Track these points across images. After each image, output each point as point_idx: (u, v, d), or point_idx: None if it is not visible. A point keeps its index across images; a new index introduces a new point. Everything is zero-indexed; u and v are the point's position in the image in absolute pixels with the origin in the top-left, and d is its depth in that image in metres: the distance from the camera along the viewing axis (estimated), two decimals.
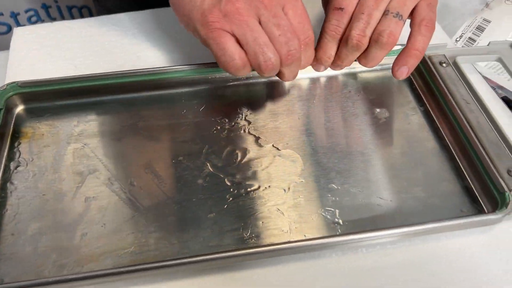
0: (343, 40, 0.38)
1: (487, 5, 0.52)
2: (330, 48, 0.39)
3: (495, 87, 0.49)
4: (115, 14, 0.50)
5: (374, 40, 0.37)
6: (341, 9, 0.36)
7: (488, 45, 0.45)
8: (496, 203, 0.34)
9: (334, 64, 0.40)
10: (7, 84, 0.40)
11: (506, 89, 0.47)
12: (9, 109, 0.40)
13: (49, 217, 0.34)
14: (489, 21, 0.50)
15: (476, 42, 0.51)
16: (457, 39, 0.50)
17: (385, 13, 0.36)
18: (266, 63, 0.34)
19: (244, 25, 0.34)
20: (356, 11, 0.36)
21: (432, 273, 0.32)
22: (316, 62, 0.40)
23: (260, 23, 0.34)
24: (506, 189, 0.34)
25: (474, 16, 0.51)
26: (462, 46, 0.50)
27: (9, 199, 0.35)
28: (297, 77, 0.41)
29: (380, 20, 0.36)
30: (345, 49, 0.38)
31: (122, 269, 0.30)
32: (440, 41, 0.45)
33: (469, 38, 0.50)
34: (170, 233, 0.33)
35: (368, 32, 0.36)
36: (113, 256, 0.32)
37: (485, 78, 0.49)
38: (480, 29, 0.50)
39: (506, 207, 0.33)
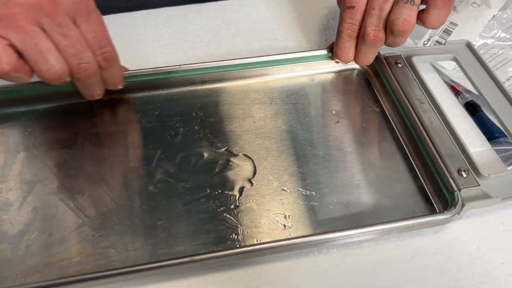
0: (360, 38, 0.39)
1: (454, 8, 0.52)
2: (349, 47, 0.40)
3: (462, 91, 0.49)
4: None
5: (389, 30, 0.38)
6: (353, 7, 0.37)
7: (444, 44, 0.46)
8: (446, 202, 0.34)
9: (358, 62, 0.41)
10: None
11: (472, 93, 0.48)
12: None
13: None
14: (456, 24, 0.50)
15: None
16: (425, 43, 0.50)
17: (396, 1, 0.37)
18: (49, 71, 0.32)
19: (21, 31, 0.31)
20: (368, 7, 0.37)
21: (383, 274, 0.32)
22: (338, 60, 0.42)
23: (45, 32, 0.32)
24: (455, 188, 0.34)
25: None
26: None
27: None
28: (254, 80, 0.42)
29: (392, 9, 0.37)
30: (364, 46, 0.39)
31: (66, 279, 0.29)
32: None
33: (436, 41, 0.50)
34: (117, 241, 0.33)
35: (382, 25, 0.37)
36: (58, 267, 0.31)
37: (453, 82, 0.49)
38: (447, 32, 0.50)
39: (455, 207, 0.33)
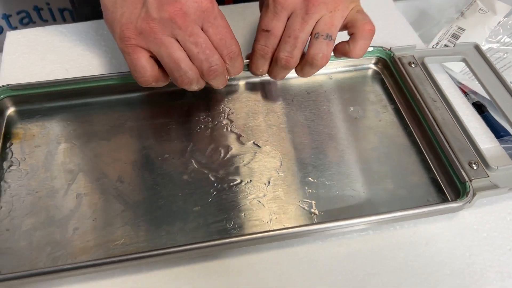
0: (274, 60, 0.40)
1: (462, 14, 0.55)
2: (261, 65, 0.41)
3: (469, 92, 0.52)
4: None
5: (309, 62, 0.39)
6: (268, 31, 0.39)
7: (454, 46, 0.49)
8: (458, 192, 0.37)
9: (271, 77, 0.42)
10: None
11: (479, 94, 0.51)
12: (0, 111, 0.42)
13: (42, 213, 0.36)
14: (463, 29, 0.53)
15: None
16: (434, 46, 0.53)
17: (315, 36, 0.38)
18: (182, 77, 0.37)
19: (158, 43, 0.35)
20: (284, 34, 0.39)
21: (401, 257, 0.35)
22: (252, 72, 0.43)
23: (178, 42, 0.36)
24: (467, 179, 0.37)
25: (449, 24, 0.54)
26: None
27: (3, 197, 0.37)
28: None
29: (311, 43, 0.39)
30: (276, 67, 0.41)
31: (113, 259, 0.32)
32: (412, 41, 0.48)
33: (445, 45, 0.53)
34: (158, 226, 0.36)
35: (296, 53, 0.39)
36: (104, 248, 0.34)
37: (460, 84, 0.52)
38: (455, 36, 0.53)
39: (467, 196, 0.36)
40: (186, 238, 0.35)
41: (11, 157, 0.40)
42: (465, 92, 0.52)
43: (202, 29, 0.36)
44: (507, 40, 0.53)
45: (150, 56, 0.37)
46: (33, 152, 0.40)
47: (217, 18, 0.37)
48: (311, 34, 0.38)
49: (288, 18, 0.38)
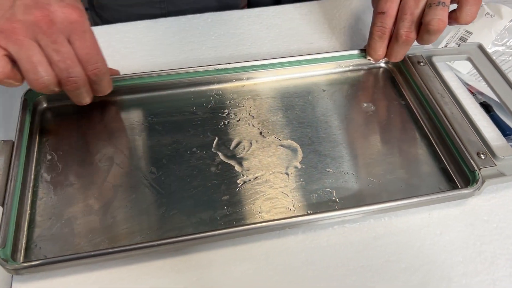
0: (393, 38, 0.45)
1: None
2: (379, 47, 0.46)
3: (476, 92, 0.55)
4: (127, 22, 0.54)
5: (425, 30, 0.43)
6: (383, 12, 0.43)
7: (459, 46, 0.52)
8: (468, 180, 0.40)
9: (390, 59, 0.47)
10: None
11: (485, 94, 0.53)
12: (36, 108, 0.44)
13: (81, 203, 0.39)
14: (470, 33, 0.56)
15: None
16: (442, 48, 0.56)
17: (428, 5, 0.42)
18: (38, 81, 0.36)
19: (18, 43, 0.35)
20: (400, 13, 0.43)
21: (417, 246, 0.37)
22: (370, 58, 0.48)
23: (40, 47, 0.36)
24: (476, 168, 0.40)
25: (457, 28, 0.57)
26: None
27: (43, 188, 0.39)
28: (292, 75, 0.48)
29: (426, 12, 0.42)
30: (396, 45, 0.45)
31: (153, 243, 0.35)
32: None
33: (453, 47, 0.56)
34: (190, 214, 0.38)
35: (414, 28, 0.43)
36: (141, 235, 0.37)
37: (467, 84, 0.55)
38: (463, 39, 0.56)
39: (477, 183, 0.39)
40: (217, 225, 0.38)
41: (48, 151, 0.42)
42: (472, 92, 0.55)
43: (68, 40, 0.37)
44: None
45: (5, 55, 0.36)
46: (69, 147, 0.42)
47: (86, 32, 0.38)
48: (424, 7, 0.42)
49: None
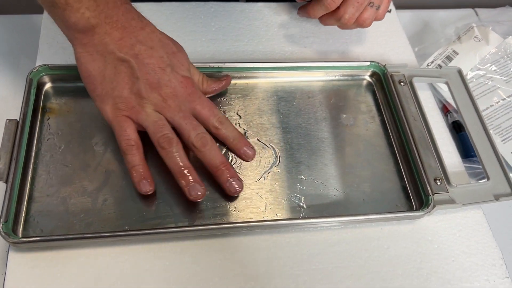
0: (336, 15, 0.49)
1: (458, 38, 0.61)
2: (319, 13, 0.50)
3: (452, 110, 0.59)
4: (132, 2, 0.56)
5: (360, 23, 0.50)
6: None
7: (440, 68, 0.55)
8: (422, 202, 0.45)
9: (322, 22, 0.52)
10: (39, 66, 0.47)
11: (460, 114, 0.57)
12: (40, 87, 0.48)
13: (76, 183, 0.43)
14: (457, 53, 0.60)
15: None
16: (429, 64, 0.60)
17: (370, 4, 0.48)
18: (163, 137, 0.43)
19: (147, 115, 0.43)
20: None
21: (365, 256, 0.43)
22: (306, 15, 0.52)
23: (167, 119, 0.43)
24: (430, 193, 0.45)
25: (446, 46, 0.60)
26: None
27: (43, 166, 0.44)
28: (282, 79, 0.53)
29: (366, 8, 0.49)
30: (335, 21, 0.50)
31: (136, 232, 0.40)
32: (408, 58, 0.55)
33: (438, 65, 0.59)
34: (172, 205, 0.43)
35: (356, 15, 0.49)
36: (128, 220, 0.42)
37: (446, 102, 0.58)
38: (449, 58, 0.59)
39: (428, 207, 0.44)
40: (195, 218, 0.43)
41: (49, 129, 0.46)
42: (448, 110, 0.59)
43: (190, 107, 0.43)
44: (494, 68, 0.60)
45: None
46: (68, 127, 0.46)
47: (201, 97, 0.44)
48: None
49: None
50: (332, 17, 0.50)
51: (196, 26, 0.56)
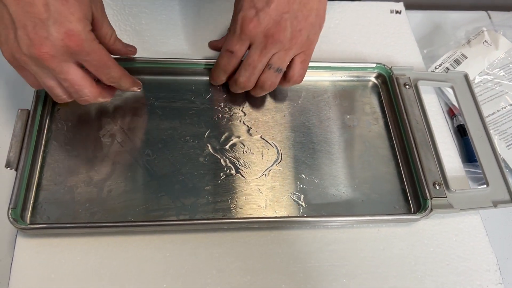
0: (233, 79, 0.48)
1: (468, 41, 0.61)
2: (221, 78, 0.49)
3: (458, 114, 0.59)
4: None
5: (259, 86, 0.47)
6: (232, 52, 0.45)
7: (447, 72, 0.55)
8: (419, 205, 0.46)
9: (230, 88, 0.50)
10: None
11: None
12: None
13: (83, 174, 0.44)
14: (466, 57, 0.59)
15: None
16: (437, 67, 0.60)
17: (268, 66, 0.45)
18: (58, 99, 0.42)
19: (33, 71, 0.39)
20: (244, 60, 0.45)
21: (361, 256, 0.44)
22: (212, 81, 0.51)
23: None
24: (428, 197, 0.45)
25: (455, 49, 0.60)
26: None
27: (52, 155, 0.45)
28: None
29: (264, 71, 0.46)
30: (234, 85, 0.48)
31: (139, 223, 0.42)
32: (415, 60, 0.55)
33: (446, 68, 0.59)
34: (175, 198, 0.44)
35: (252, 79, 0.47)
36: (132, 210, 0.43)
37: (452, 105, 0.59)
38: (458, 62, 0.59)
39: (425, 211, 0.45)
40: (196, 212, 0.44)
41: (59, 120, 0.47)
42: (454, 113, 0.59)
43: (76, 63, 0.39)
44: (502, 73, 0.59)
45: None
46: (77, 118, 0.48)
47: (90, 54, 0.39)
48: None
49: (249, 46, 0.44)
50: (232, 81, 0.49)
51: (206, 22, 0.56)
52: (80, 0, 0.38)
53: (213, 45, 0.53)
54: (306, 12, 0.43)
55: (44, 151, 0.45)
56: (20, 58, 0.38)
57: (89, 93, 0.41)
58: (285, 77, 0.48)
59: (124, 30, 0.55)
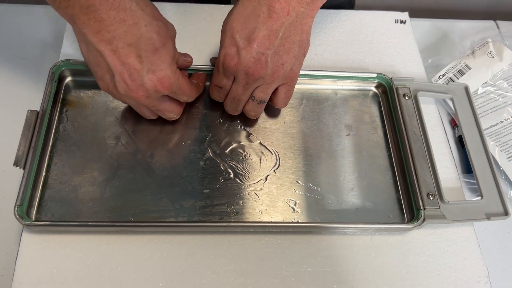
0: (224, 106, 0.50)
1: (473, 52, 0.61)
2: (217, 99, 0.51)
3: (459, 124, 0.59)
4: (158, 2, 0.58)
5: (245, 114, 0.50)
6: (220, 87, 0.48)
7: (447, 84, 0.56)
8: (413, 215, 0.47)
9: None
10: (62, 61, 0.50)
11: None
12: (61, 80, 0.51)
13: (87, 174, 0.46)
14: (469, 68, 0.60)
15: None
16: (440, 76, 0.60)
17: (252, 98, 0.47)
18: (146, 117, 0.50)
19: (134, 105, 0.47)
20: (229, 94, 0.48)
21: (352, 263, 0.45)
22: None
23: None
24: (421, 207, 0.46)
25: (459, 59, 0.61)
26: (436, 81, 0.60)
27: (59, 155, 0.47)
28: None
29: (248, 102, 0.48)
30: (225, 109, 0.51)
31: (139, 223, 0.44)
32: (417, 71, 0.56)
33: (450, 78, 0.60)
34: (175, 200, 0.46)
35: (239, 109, 0.49)
36: (133, 211, 0.45)
37: (454, 114, 0.59)
38: (461, 72, 0.60)
39: (418, 221, 0.46)
40: (194, 214, 0.45)
41: (66, 121, 0.49)
42: (456, 124, 0.60)
43: (166, 95, 0.46)
44: (505, 85, 0.60)
45: None
46: (84, 120, 0.49)
47: (176, 91, 0.45)
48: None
49: (234, 81, 0.46)
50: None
51: (214, 28, 0.58)
52: (167, 46, 0.43)
53: (213, 62, 0.54)
54: (288, 45, 0.44)
55: (51, 151, 0.47)
56: (116, 96, 0.44)
57: (175, 114, 0.49)
58: (270, 101, 0.49)
59: None
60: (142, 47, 0.40)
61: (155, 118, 0.49)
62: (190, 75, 0.51)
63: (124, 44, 0.40)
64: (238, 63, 0.44)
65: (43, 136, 0.47)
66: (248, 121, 0.52)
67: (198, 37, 0.58)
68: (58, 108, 0.50)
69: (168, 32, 0.43)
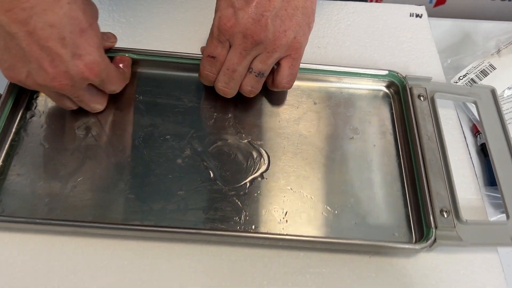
0: (215, 84, 0.43)
1: (498, 51, 0.54)
2: (207, 84, 0.45)
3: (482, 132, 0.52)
4: None
5: (240, 91, 0.43)
6: (213, 57, 0.41)
7: (471, 86, 0.48)
8: (422, 234, 0.39)
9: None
10: None
11: None
12: None
13: (49, 166, 0.41)
14: (494, 68, 0.53)
15: None
16: (460, 78, 0.53)
17: (249, 70, 0.41)
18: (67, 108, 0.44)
19: (53, 97, 0.41)
20: (224, 65, 0.41)
21: (348, 282, 0.38)
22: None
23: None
24: (433, 225, 0.39)
25: (482, 59, 0.53)
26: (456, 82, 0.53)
27: (21, 144, 0.42)
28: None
29: (245, 75, 0.42)
30: (216, 90, 0.44)
31: (96, 225, 0.38)
32: (434, 70, 0.49)
33: (471, 79, 0.52)
34: (143, 200, 0.40)
35: (232, 85, 0.42)
36: (94, 210, 0.39)
37: (476, 121, 0.52)
38: (484, 73, 0.52)
39: (427, 241, 0.38)
40: (164, 218, 0.39)
41: (35, 108, 0.44)
42: (478, 131, 0.52)
43: (90, 84, 0.40)
44: None
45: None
46: (54, 108, 0.44)
47: (104, 78, 0.40)
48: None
49: (229, 49, 0.40)
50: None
51: (205, 17, 0.53)
52: (94, 27, 0.38)
53: (202, 51, 0.49)
54: (291, 10, 0.39)
55: (13, 139, 0.42)
56: (31, 86, 0.38)
57: (101, 105, 0.44)
58: (273, 81, 0.43)
59: (118, 21, 0.52)
60: (66, 28, 0.35)
61: (76, 108, 0.43)
62: (111, 59, 0.45)
63: (44, 25, 0.34)
64: (235, 24, 0.38)
65: (3, 121, 0.42)
66: (240, 117, 0.46)
67: (189, 26, 0.53)
68: (29, 94, 0.45)
69: (93, 11, 0.39)
